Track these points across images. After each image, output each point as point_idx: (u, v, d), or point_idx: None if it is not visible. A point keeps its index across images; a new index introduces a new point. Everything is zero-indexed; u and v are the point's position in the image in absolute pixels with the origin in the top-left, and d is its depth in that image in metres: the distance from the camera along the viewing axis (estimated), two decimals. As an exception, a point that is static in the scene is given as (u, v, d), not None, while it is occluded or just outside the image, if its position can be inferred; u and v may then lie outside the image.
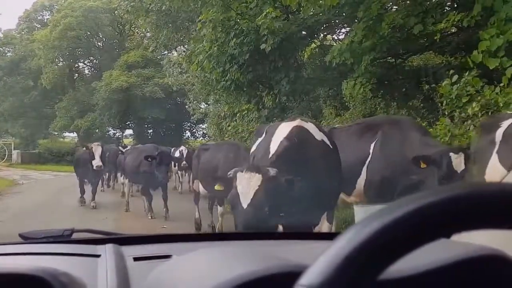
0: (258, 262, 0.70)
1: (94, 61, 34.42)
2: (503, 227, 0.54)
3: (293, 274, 0.52)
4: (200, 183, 7.25)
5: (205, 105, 16.22)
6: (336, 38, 11.78)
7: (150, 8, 14.19)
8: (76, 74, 34.31)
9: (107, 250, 1.10)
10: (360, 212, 2.06)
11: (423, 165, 4.10)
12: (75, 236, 1.39)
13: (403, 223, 0.50)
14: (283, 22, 8.90)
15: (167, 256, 1.02)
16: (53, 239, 1.35)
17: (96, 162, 9.83)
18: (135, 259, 1.06)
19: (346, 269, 0.48)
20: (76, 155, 11.99)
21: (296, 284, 0.48)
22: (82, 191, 10.83)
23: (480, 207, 0.52)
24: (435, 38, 6.49)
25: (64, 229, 1.38)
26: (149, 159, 8.26)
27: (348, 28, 10.01)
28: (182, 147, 13.21)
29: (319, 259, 0.50)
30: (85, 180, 10.90)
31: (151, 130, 30.87)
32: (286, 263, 0.69)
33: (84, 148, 10.61)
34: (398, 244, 0.50)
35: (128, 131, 32.21)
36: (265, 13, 8.49)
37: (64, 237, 1.37)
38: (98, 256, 1.08)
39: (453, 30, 7.04)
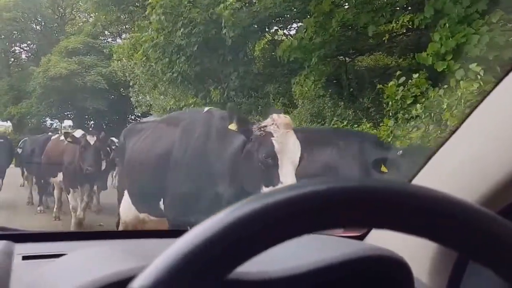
0: (120, 262, 0.71)
1: (32, 45, 32.48)
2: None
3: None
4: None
5: (150, 97, 15.64)
6: (287, 33, 11.68)
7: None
8: (12, 59, 32.26)
9: None
10: None
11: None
12: None
13: (248, 223, 0.46)
14: (245, 13, 8.65)
15: (60, 255, 0.98)
16: None
17: None
18: (24, 257, 1.03)
19: (182, 269, 0.44)
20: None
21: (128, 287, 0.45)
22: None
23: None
24: (383, 38, 6.51)
25: None
26: None
27: (300, 24, 9.93)
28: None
29: (157, 258, 0.45)
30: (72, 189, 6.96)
31: (92, 122, 29.54)
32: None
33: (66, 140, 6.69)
34: (247, 243, 0.46)
35: (68, 122, 30.70)
36: (228, 2, 8.16)
37: None
38: None
39: (402, 31, 7.12)
